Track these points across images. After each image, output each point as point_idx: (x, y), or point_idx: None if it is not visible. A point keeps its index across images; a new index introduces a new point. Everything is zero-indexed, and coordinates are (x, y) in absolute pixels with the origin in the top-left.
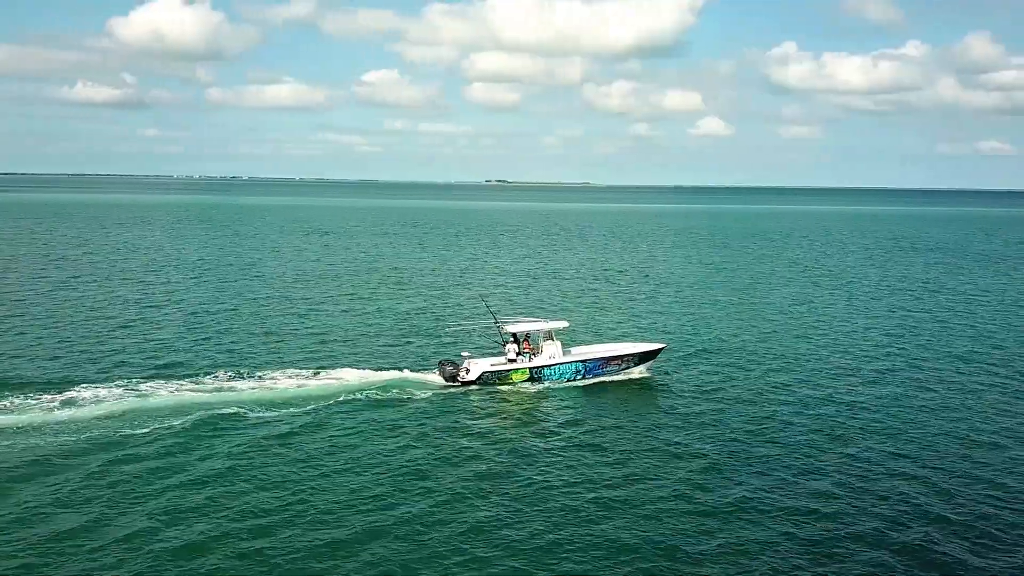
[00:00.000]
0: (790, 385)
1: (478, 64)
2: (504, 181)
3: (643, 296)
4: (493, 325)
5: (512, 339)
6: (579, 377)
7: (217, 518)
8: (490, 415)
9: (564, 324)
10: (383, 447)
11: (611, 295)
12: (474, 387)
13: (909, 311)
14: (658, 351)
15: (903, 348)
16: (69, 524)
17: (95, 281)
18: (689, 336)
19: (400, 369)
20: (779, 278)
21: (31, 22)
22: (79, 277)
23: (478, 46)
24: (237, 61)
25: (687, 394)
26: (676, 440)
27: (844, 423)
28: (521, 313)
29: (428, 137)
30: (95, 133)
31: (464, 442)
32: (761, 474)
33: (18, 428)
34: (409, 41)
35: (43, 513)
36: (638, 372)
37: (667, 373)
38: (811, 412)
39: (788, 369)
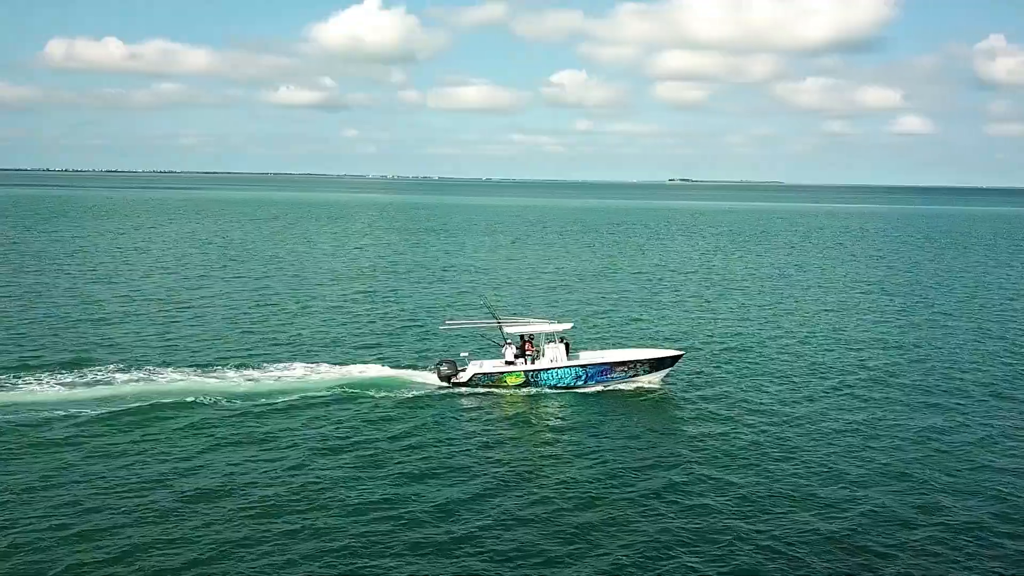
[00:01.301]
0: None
1: (664, 63)
2: (688, 180)
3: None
4: (495, 326)
5: (508, 341)
6: (580, 383)
7: (187, 514)
8: (464, 419)
9: (568, 326)
10: (342, 443)
11: (751, 303)
12: (466, 389)
13: None
14: (674, 359)
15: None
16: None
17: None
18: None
19: (412, 367)
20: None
21: (239, 29)
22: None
23: (665, 45)
24: (429, 63)
25: (688, 408)
26: (657, 462)
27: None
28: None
29: (612, 137)
30: (298, 135)
31: (410, 444)
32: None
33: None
34: (597, 41)
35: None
36: (648, 381)
37: (697, 385)
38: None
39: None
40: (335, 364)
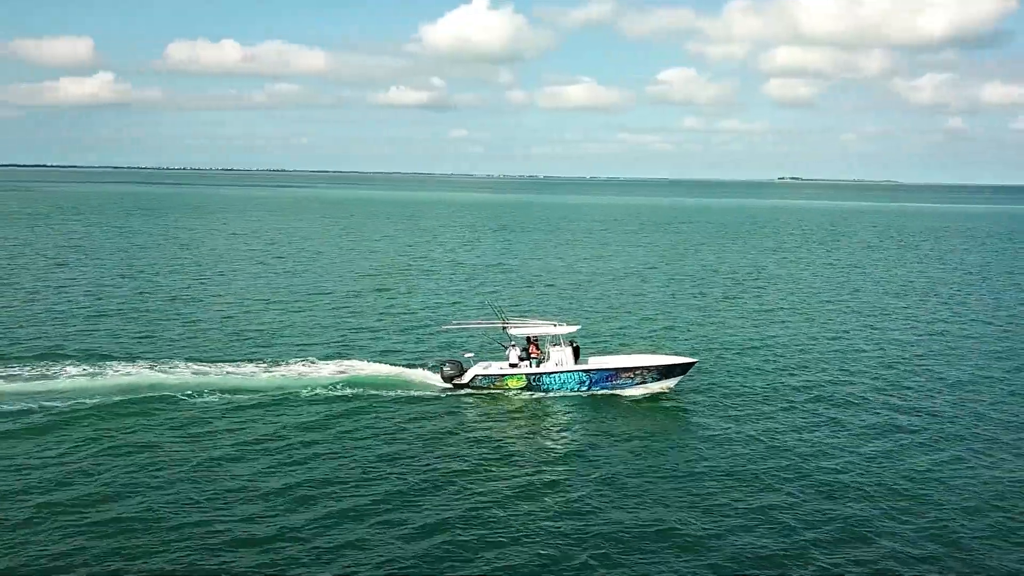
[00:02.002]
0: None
1: (774, 59)
2: (797, 178)
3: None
4: (500, 327)
5: (512, 343)
6: (584, 388)
7: (169, 507)
8: (454, 422)
9: (574, 328)
10: (341, 443)
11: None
12: (466, 391)
13: None
14: (686, 366)
15: None
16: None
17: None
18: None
19: (422, 366)
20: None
21: (353, 31)
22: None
23: (775, 41)
24: (536, 63)
25: (690, 417)
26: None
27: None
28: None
29: (720, 135)
30: (407, 135)
31: (410, 447)
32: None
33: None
34: (705, 39)
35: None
36: (659, 388)
37: (708, 394)
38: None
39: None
40: (338, 360)
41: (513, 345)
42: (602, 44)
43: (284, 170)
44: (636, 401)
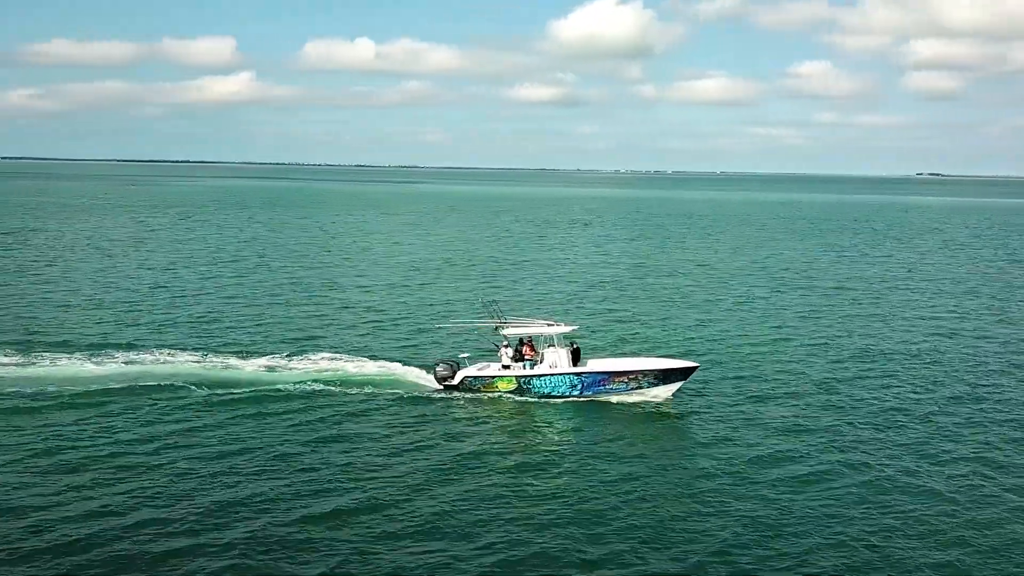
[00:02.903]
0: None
1: (915, 52)
2: (937, 174)
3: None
4: (493, 326)
5: (505, 343)
6: (575, 392)
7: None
8: (433, 424)
9: (567, 328)
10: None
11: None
12: (456, 393)
13: None
14: (687, 371)
15: None
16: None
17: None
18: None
19: (421, 366)
20: None
21: (483, 28)
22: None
23: (916, 33)
24: (665, 57)
25: (686, 426)
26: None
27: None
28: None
29: (857, 129)
30: (535, 131)
31: (391, 449)
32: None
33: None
34: (842, 30)
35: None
36: (654, 395)
37: (711, 401)
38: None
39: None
40: (332, 357)
41: (506, 345)
42: (733, 37)
43: (416, 166)
44: (627, 406)
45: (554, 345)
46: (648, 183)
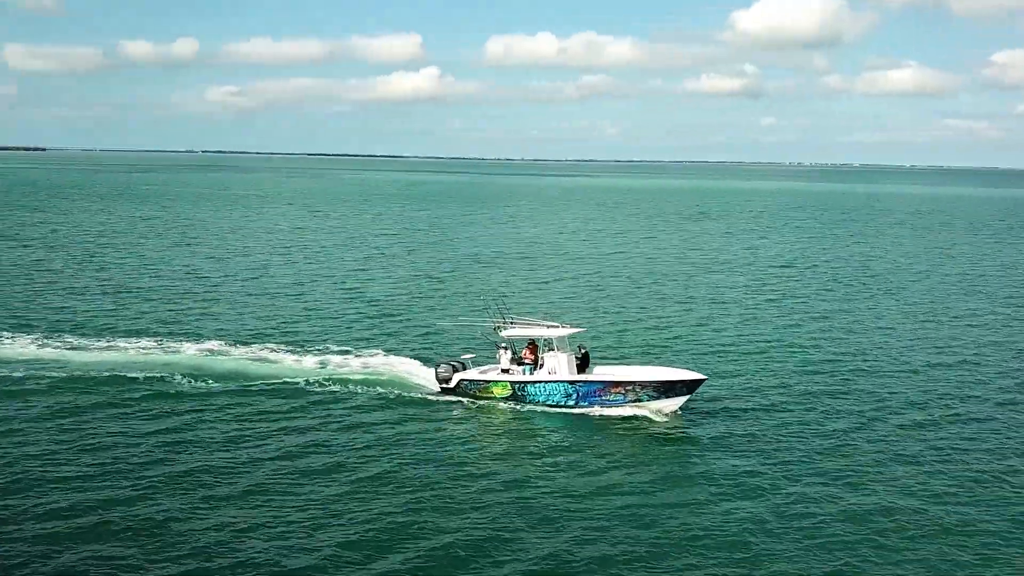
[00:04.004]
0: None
1: None
2: None
3: None
4: (493, 327)
5: (504, 345)
6: (570, 403)
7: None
8: (418, 431)
9: (567, 331)
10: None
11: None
12: (452, 396)
13: None
14: (693, 384)
15: None
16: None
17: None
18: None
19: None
20: None
21: (664, 20)
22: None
23: None
24: (854, 47)
25: (680, 446)
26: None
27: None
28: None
29: None
30: (715, 123)
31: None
32: None
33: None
34: None
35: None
36: (655, 409)
37: (723, 419)
38: None
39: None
40: (341, 354)
41: (504, 348)
42: (928, 25)
43: (594, 160)
44: (624, 419)
45: (554, 349)
46: (827, 176)
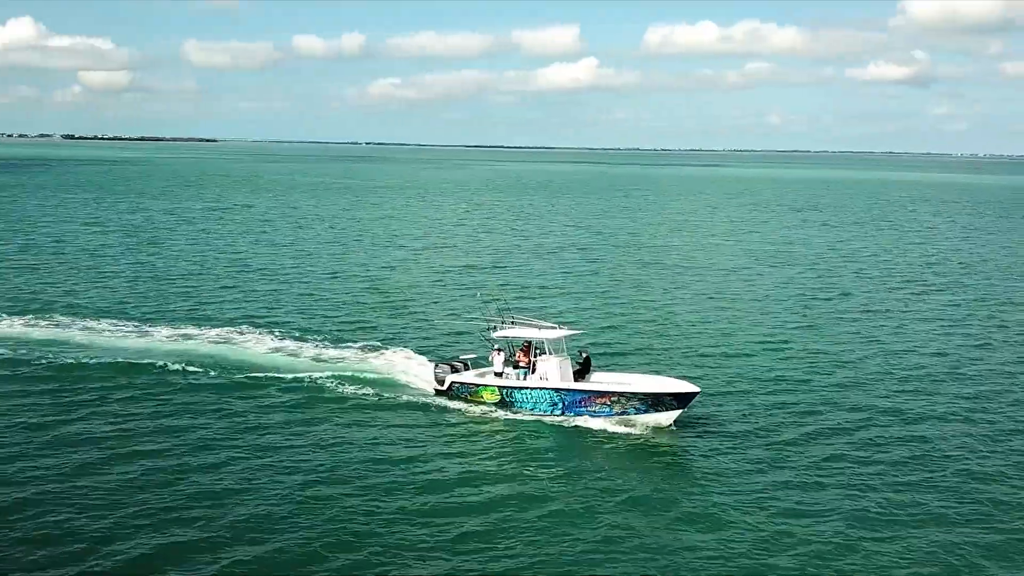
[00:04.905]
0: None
1: None
2: None
3: None
4: (488, 327)
5: (497, 346)
6: (556, 412)
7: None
8: (400, 435)
9: (561, 333)
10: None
11: None
12: (445, 398)
13: None
14: (685, 397)
15: None
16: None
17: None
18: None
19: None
20: None
21: (829, 7)
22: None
23: None
24: None
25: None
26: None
27: None
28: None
29: None
30: (883, 112)
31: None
32: None
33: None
34: None
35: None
36: (644, 424)
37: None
38: None
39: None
40: (337, 349)
41: (498, 350)
42: None
43: (752, 150)
44: (609, 433)
45: (547, 352)
46: (1002, 168)
